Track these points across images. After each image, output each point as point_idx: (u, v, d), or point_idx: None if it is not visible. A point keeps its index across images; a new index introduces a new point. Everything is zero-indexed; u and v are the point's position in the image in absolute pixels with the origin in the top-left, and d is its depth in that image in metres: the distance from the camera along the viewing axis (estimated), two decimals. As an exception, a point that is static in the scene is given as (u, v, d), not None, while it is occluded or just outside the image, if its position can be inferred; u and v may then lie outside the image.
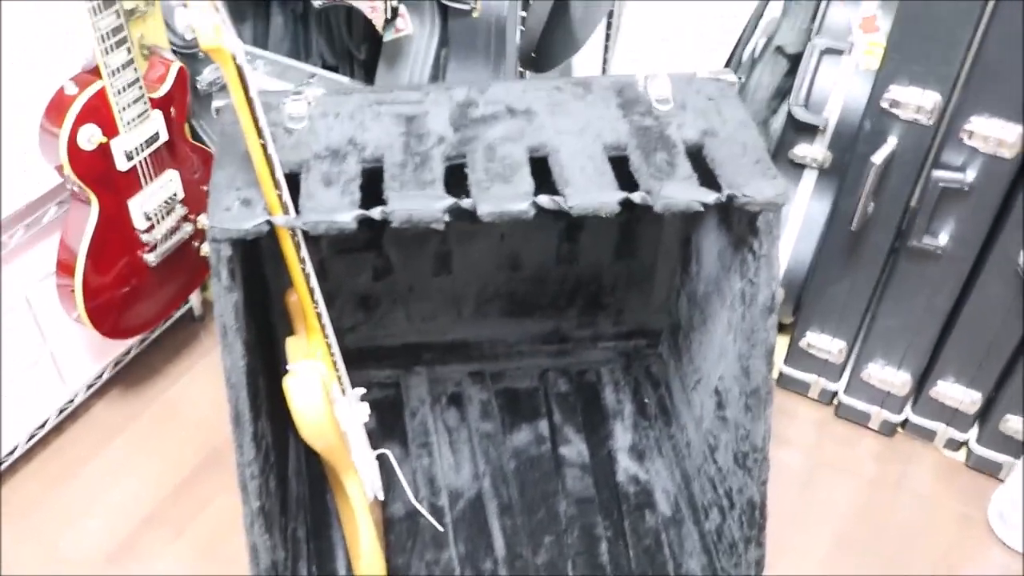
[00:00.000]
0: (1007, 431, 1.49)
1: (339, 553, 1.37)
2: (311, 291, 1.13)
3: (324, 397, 1.10)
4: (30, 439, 1.54)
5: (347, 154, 1.11)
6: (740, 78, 1.68)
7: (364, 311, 1.54)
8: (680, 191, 1.07)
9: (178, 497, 1.53)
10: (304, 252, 1.09)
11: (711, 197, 1.06)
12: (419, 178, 1.08)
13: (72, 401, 1.59)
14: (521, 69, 1.59)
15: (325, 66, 1.89)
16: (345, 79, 1.79)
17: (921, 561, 1.47)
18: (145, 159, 1.39)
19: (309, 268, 1.11)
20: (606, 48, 1.90)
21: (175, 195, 1.47)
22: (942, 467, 1.60)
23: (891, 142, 1.31)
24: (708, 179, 1.09)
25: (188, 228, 1.53)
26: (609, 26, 1.87)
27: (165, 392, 1.69)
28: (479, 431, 1.53)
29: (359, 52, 1.88)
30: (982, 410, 1.53)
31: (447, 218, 1.04)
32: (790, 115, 1.53)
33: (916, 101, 1.28)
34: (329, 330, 1.18)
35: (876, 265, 1.45)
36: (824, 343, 1.59)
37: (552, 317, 1.61)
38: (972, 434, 1.56)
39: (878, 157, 1.31)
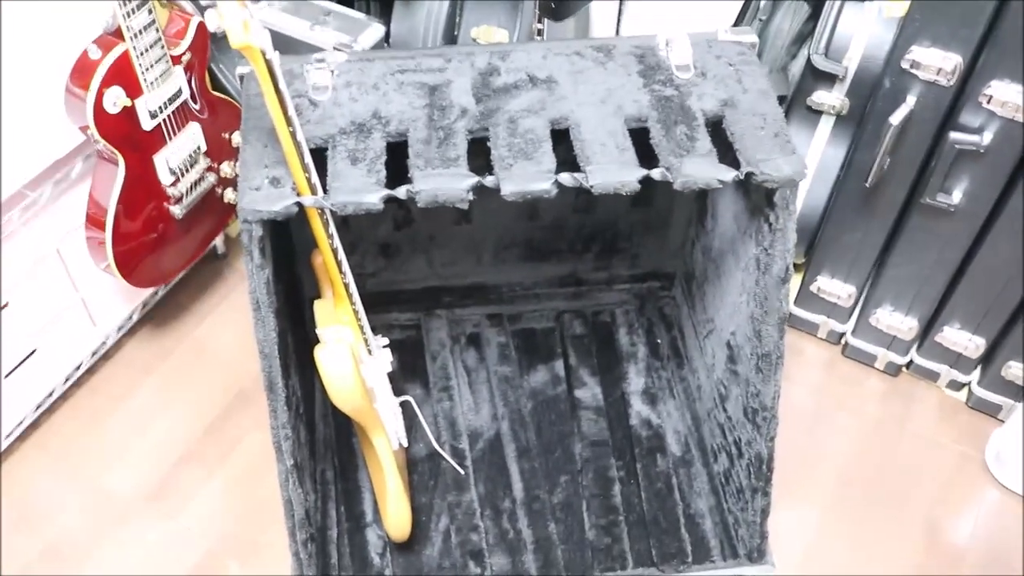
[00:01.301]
0: (1008, 376, 1.54)
1: (366, 495, 1.44)
2: (338, 263, 1.16)
3: (354, 366, 1.15)
4: (66, 380, 1.60)
5: (372, 129, 1.13)
6: (761, 19, 1.67)
7: (385, 258, 1.58)
8: (699, 168, 1.09)
9: (210, 436, 1.60)
10: (332, 229, 1.13)
11: (730, 175, 1.08)
12: (443, 155, 1.10)
13: (104, 343, 1.65)
14: (539, 25, 1.58)
15: (340, 1, 1.87)
16: (361, 15, 1.77)
17: (919, 499, 1.54)
18: (168, 116, 1.40)
19: (337, 243, 1.14)
20: None
21: (198, 148, 1.49)
22: (944, 406, 1.66)
23: (909, 102, 1.32)
24: (727, 152, 1.11)
25: (212, 178, 1.55)
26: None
27: (193, 331, 1.75)
28: (497, 374, 1.59)
29: (376, -14, 1.85)
30: (985, 355, 1.57)
31: (471, 197, 1.07)
32: (809, 62, 1.52)
33: (937, 63, 1.28)
34: (356, 297, 1.22)
35: (889, 219, 1.47)
36: (834, 288, 1.63)
37: (569, 261, 1.64)
38: (974, 376, 1.62)
39: (896, 118, 1.31)
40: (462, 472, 1.46)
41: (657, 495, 1.45)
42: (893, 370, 1.68)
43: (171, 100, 1.39)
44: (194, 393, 1.66)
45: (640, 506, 1.45)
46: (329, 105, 1.15)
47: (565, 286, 1.67)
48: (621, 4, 1.83)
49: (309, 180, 1.05)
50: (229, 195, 1.61)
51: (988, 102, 1.26)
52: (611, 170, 1.09)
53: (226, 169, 1.57)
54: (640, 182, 1.08)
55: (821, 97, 1.56)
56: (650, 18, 1.80)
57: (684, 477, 1.48)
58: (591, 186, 1.07)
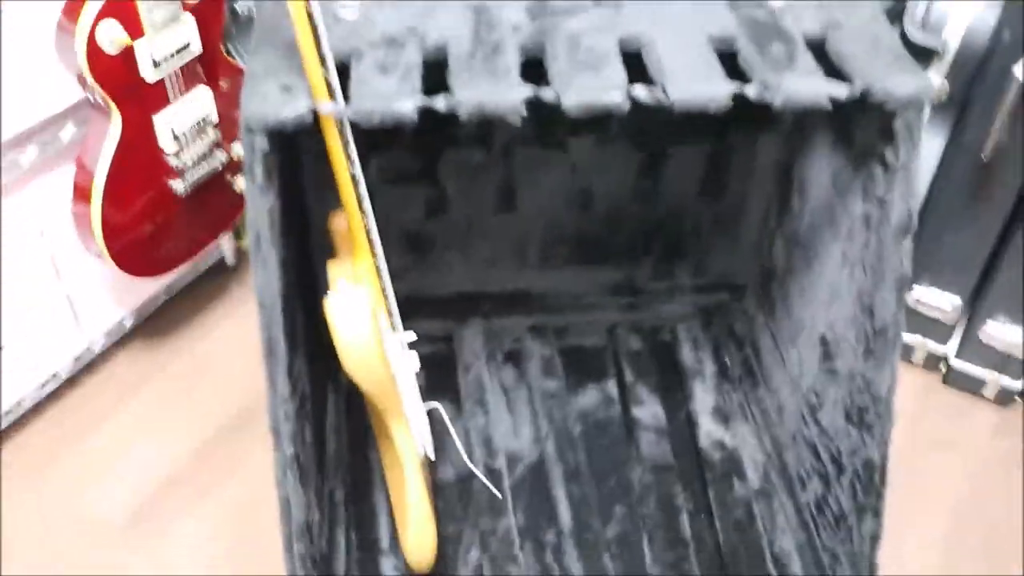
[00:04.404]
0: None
1: (382, 519, 1.20)
2: (359, 200, 0.96)
3: (372, 320, 0.94)
4: (42, 387, 1.39)
5: (406, 42, 0.95)
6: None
7: (414, 253, 1.38)
8: (804, 84, 0.89)
9: (204, 459, 1.38)
10: (352, 151, 0.93)
11: (843, 90, 0.88)
12: (490, 67, 0.91)
13: (90, 349, 1.44)
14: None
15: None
16: None
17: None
18: (175, 72, 1.23)
19: (358, 170, 0.94)
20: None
21: (207, 117, 1.31)
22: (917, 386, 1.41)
23: (1034, 52, 1.13)
24: (835, 78, 0.92)
25: (221, 157, 1.37)
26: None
27: (192, 346, 1.54)
28: (541, 390, 1.36)
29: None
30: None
31: (524, 111, 0.88)
32: (903, 37, 1.34)
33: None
34: (378, 248, 1.01)
35: (1005, 206, 1.26)
36: (934, 299, 1.40)
37: (624, 266, 1.43)
38: (951, 348, 1.37)
39: (1020, 69, 1.12)
40: (499, 495, 1.22)
41: (736, 526, 1.20)
42: (1006, 398, 1.43)
43: (178, 52, 1.22)
44: (189, 412, 1.44)
45: (714, 539, 1.19)
46: (357, 24, 0.97)
47: (620, 295, 1.45)
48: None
49: (328, 80, 0.86)
50: (241, 183, 1.42)
51: None
52: (695, 84, 0.89)
53: (238, 150, 1.39)
54: (733, 100, 0.89)
55: (915, 80, 1.37)
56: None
57: (766, 511, 1.23)
58: (672, 102, 0.88)
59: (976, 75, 1.26)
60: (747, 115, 1.27)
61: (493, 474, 1.24)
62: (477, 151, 1.28)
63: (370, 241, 0.99)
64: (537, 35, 0.96)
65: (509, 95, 0.87)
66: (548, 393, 1.35)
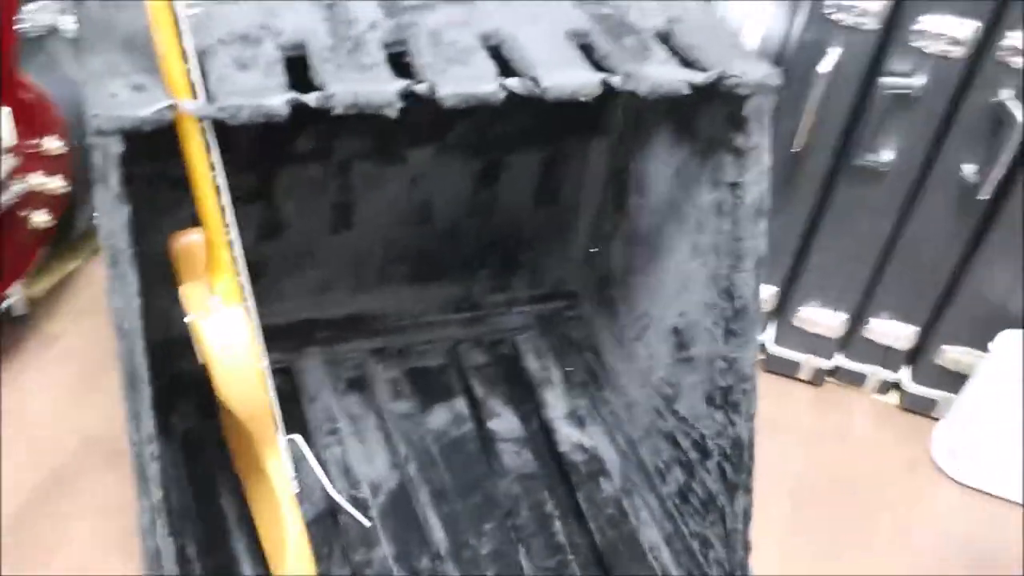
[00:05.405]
0: (945, 363, 1.44)
1: (244, 567, 1.10)
2: (222, 209, 0.89)
3: (251, 333, 0.87)
4: None
5: (261, 39, 0.89)
6: None
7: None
8: (663, 72, 0.93)
9: (10, 534, 1.21)
10: (216, 156, 0.86)
11: (700, 77, 0.92)
12: (356, 62, 0.88)
13: None
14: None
15: None
16: None
17: (881, 509, 1.38)
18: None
19: (221, 178, 0.87)
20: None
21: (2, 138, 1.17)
22: (877, 411, 1.53)
23: (834, 52, 1.23)
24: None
25: (16, 188, 1.23)
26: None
27: (-12, 407, 1.36)
28: (394, 413, 1.31)
29: None
30: (916, 346, 1.47)
31: (400, 104, 0.85)
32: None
33: (861, 3, 1.20)
34: (242, 265, 0.94)
35: (813, 193, 1.36)
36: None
37: (463, 281, 1.42)
38: (903, 375, 1.50)
39: (824, 67, 1.22)
40: (367, 524, 1.16)
41: (610, 522, 1.21)
42: (818, 379, 1.54)
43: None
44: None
45: (589, 539, 1.19)
46: (201, 18, 0.91)
47: (460, 311, 1.44)
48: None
49: (189, 77, 0.79)
50: (38, 219, 1.28)
51: (918, 39, 1.19)
52: (564, 73, 0.90)
53: (37, 180, 1.25)
54: (601, 88, 0.90)
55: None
56: None
57: (630, 508, 1.25)
58: (544, 89, 0.88)
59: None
60: (581, 119, 1.32)
61: (358, 503, 1.18)
62: (314, 167, 1.22)
63: (233, 259, 0.92)
64: (396, 31, 0.94)
65: (384, 88, 0.84)
66: (401, 415, 1.31)
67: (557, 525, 1.20)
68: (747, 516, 1.11)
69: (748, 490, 1.10)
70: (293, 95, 0.82)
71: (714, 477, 1.14)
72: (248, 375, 0.88)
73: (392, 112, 0.85)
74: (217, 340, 0.86)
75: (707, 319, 1.11)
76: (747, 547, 1.12)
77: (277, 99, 0.81)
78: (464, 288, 1.42)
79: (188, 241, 1.00)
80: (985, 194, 1.24)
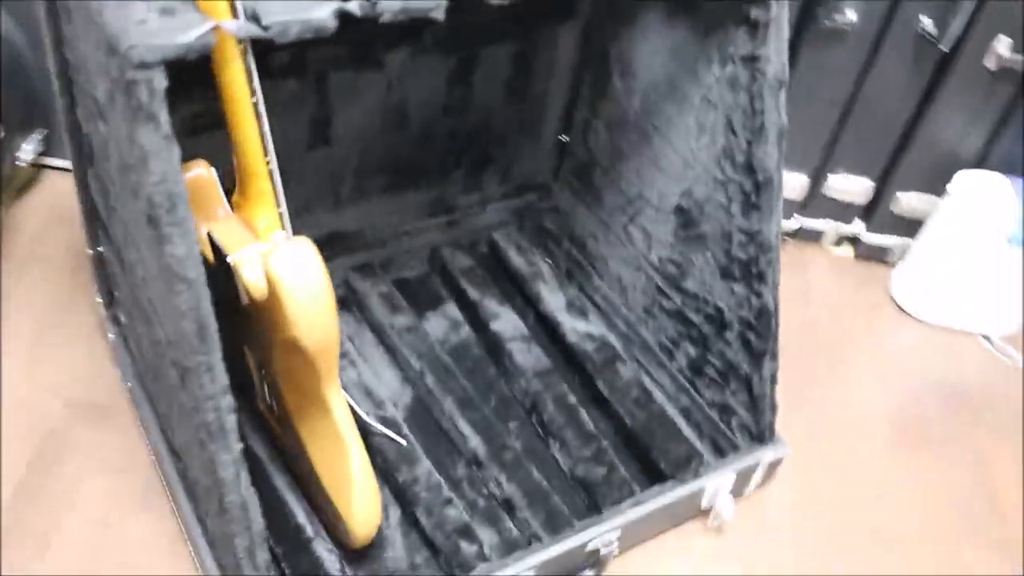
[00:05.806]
0: (900, 210, 1.52)
1: (295, 508, 1.07)
2: (262, 135, 0.82)
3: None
4: None
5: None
6: None
7: (223, 208, 1.21)
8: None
9: None
10: (256, 78, 0.79)
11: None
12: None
13: None
14: None
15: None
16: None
17: (853, 355, 1.46)
18: None
19: (260, 102, 0.80)
20: None
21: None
22: (835, 264, 1.60)
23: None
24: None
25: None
26: None
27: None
28: (394, 327, 1.28)
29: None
30: (872, 198, 1.54)
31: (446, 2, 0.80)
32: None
33: None
34: (281, 194, 0.88)
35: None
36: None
37: (437, 184, 1.38)
38: (859, 226, 1.58)
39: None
40: (403, 443, 1.14)
41: (636, 403, 1.23)
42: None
43: None
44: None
45: (620, 423, 1.21)
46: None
47: (435, 216, 1.40)
48: None
49: (233, 3, 0.72)
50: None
51: None
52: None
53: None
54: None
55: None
56: None
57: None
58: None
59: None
60: (554, 5, 1.27)
61: (388, 423, 1.16)
62: (291, 81, 1.14)
63: (273, 185, 0.85)
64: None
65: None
66: (403, 328, 1.28)
67: (583, 415, 1.22)
68: (774, 380, 1.16)
69: (775, 356, 1.14)
70: (338, 4, 0.76)
71: (735, 348, 1.18)
72: (326, 307, 0.83)
73: (439, 15, 0.80)
74: (291, 274, 0.80)
75: (719, 195, 1.12)
76: (774, 408, 1.17)
77: (324, 10, 0.75)
78: (438, 191, 1.38)
79: (195, 176, 0.93)
80: (946, 46, 1.29)
